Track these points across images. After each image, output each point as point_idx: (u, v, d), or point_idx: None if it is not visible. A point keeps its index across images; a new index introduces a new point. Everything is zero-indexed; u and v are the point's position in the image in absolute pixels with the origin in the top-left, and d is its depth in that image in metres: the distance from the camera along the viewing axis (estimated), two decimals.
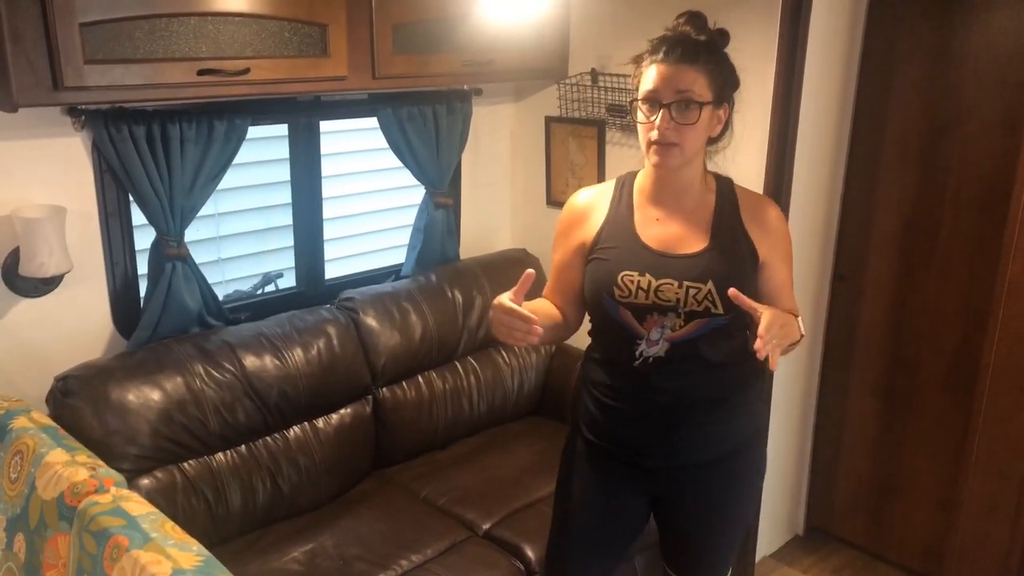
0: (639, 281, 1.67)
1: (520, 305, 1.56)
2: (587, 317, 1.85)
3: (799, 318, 1.71)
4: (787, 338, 1.59)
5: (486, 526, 2.40)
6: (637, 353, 1.70)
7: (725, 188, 1.76)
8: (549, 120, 3.10)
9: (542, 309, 1.77)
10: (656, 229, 1.72)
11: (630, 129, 2.86)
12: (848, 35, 2.69)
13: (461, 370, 2.87)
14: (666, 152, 1.63)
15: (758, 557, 2.98)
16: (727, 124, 1.72)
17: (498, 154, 3.26)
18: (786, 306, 1.74)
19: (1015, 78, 2.44)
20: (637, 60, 1.70)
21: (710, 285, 1.64)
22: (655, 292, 1.66)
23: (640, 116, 1.65)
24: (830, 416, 3.06)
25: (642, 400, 1.74)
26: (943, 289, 2.70)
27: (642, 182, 1.77)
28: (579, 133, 3.02)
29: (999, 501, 2.60)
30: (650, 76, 1.63)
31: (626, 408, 1.76)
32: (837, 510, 3.10)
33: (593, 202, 1.80)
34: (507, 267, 3.07)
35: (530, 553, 2.29)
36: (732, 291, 1.56)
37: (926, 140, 2.66)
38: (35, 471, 1.75)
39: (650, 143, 1.64)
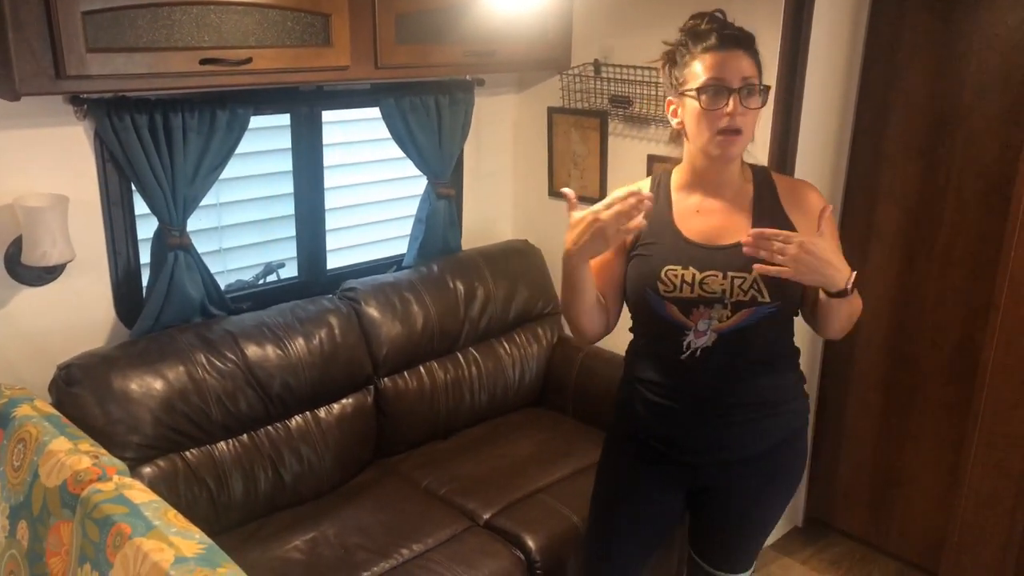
0: (683, 275, 1.66)
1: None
2: (626, 313, 1.82)
3: (855, 289, 1.60)
4: (820, 273, 1.51)
5: (487, 516, 2.41)
6: (684, 345, 1.69)
7: (762, 176, 1.76)
8: (551, 111, 3.10)
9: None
10: (696, 222, 1.71)
11: (632, 120, 2.85)
12: (851, 28, 2.68)
13: (462, 360, 2.87)
14: (732, 140, 1.62)
15: None
16: None
17: (500, 145, 3.25)
18: None
19: (1019, 72, 2.43)
20: (671, 55, 1.68)
21: (755, 274, 1.61)
22: (700, 285, 1.65)
23: (699, 106, 1.61)
24: (830, 408, 3.06)
25: (689, 393, 1.73)
26: (944, 282, 2.70)
27: (679, 177, 1.76)
28: (581, 124, 3.01)
29: (998, 494, 2.61)
30: (707, 64, 1.60)
31: (673, 403, 1.75)
32: (836, 502, 3.11)
33: None
34: (509, 258, 3.07)
35: (531, 543, 2.29)
36: (758, 267, 1.51)
37: (929, 134, 2.65)
38: (38, 459, 1.76)
39: (716, 132, 1.61)
